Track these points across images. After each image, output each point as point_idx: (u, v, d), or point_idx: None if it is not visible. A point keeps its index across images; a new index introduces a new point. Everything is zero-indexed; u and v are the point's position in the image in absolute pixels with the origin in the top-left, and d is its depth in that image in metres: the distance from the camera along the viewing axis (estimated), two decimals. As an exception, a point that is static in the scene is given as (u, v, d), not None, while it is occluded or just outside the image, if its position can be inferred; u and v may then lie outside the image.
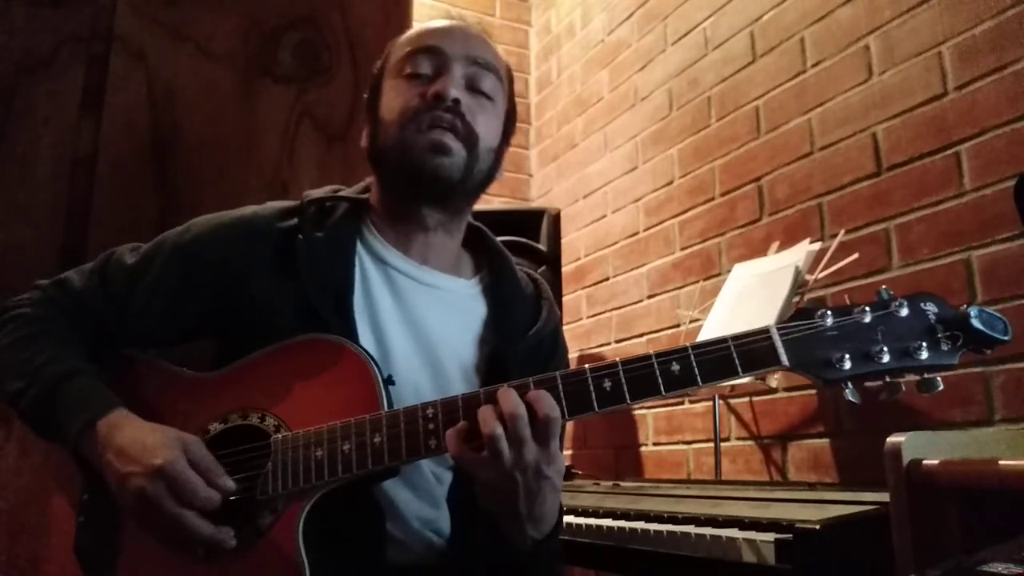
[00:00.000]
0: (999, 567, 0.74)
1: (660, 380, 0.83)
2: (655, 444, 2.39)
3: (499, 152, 1.09)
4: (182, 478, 0.86)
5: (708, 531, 1.20)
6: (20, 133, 1.42)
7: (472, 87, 1.03)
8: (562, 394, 0.84)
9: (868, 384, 0.84)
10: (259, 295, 1.00)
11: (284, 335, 0.96)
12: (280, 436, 0.91)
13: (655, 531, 1.30)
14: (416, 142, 1.00)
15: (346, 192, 1.11)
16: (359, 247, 1.06)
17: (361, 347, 0.94)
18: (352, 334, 0.97)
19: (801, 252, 1.71)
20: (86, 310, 1.02)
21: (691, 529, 1.23)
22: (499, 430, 0.80)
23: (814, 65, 1.99)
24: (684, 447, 2.27)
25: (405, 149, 1.01)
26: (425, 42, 1.04)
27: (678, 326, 2.31)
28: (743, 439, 2.07)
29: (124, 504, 0.89)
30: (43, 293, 1.04)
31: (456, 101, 1.00)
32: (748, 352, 0.82)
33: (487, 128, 1.04)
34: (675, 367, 0.83)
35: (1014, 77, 1.53)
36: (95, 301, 1.02)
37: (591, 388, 0.84)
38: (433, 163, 1.00)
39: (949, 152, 1.64)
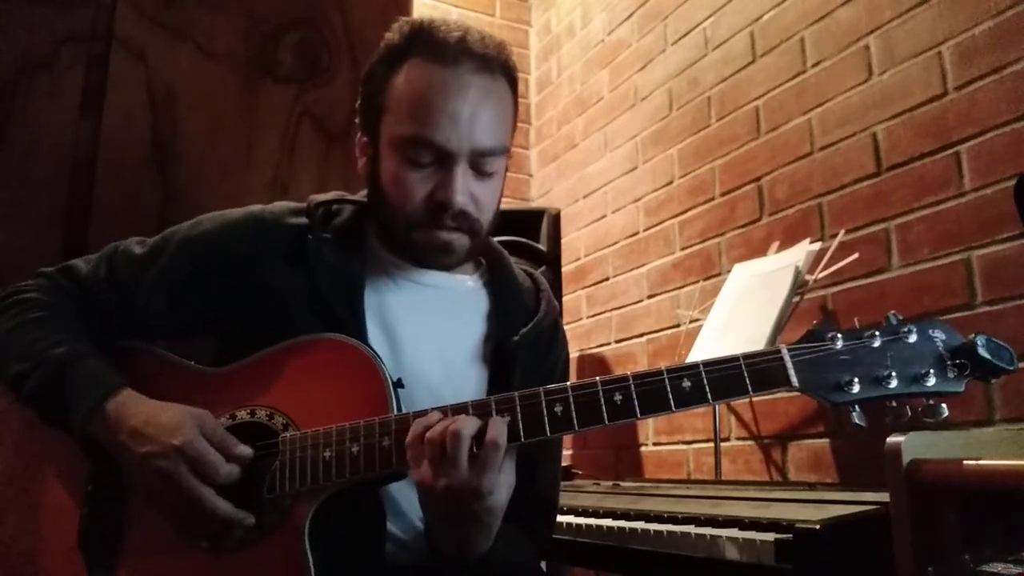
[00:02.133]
0: (999, 567, 0.74)
1: (671, 396, 0.84)
2: (655, 444, 2.39)
3: (499, 206, 1.08)
4: (202, 455, 0.87)
5: (708, 531, 1.20)
6: (20, 133, 1.42)
7: (476, 170, 1.00)
8: (573, 406, 0.84)
9: (876, 409, 0.85)
10: (269, 291, 1.01)
11: (296, 330, 0.97)
12: (288, 435, 0.91)
13: (655, 531, 1.29)
14: (420, 240, 1.01)
15: (350, 197, 1.12)
16: (366, 250, 1.08)
17: (371, 348, 0.95)
18: (363, 332, 0.99)
19: (801, 252, 1.71)
20: (91, 298, 1.03)
21: (691, 529, 1.23)
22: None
23: (814, 65, 1.99)
24: (684, 447, 2.27)
25: (410, 244, 1.02)
26: (429, 133, 0.96)
27: (678, 326, 2.31)
28: (743, 439, 2.07)
29: (140, 485, 0.89)
30: (49, 280, 1.04)
31: (463, 206, 0.98)
32: (759, 371, 0.84)
33: (489, 205, 1.03)
34: (686, 384, 0.84)
35: (1014, 77, 1.53)
36: (101, 290, 1.03)
37: (602, 401, 0.84)
38: (438, 261, 1.04)
39: (949, 152, 1.64)
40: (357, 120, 1.08)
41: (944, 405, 0.83)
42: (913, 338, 0.83)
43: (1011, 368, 0.81)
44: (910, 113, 1.73)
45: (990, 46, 1.58)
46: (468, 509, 0.82)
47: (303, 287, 1.00)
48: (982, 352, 0.81)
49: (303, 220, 1.06)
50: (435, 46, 0.98)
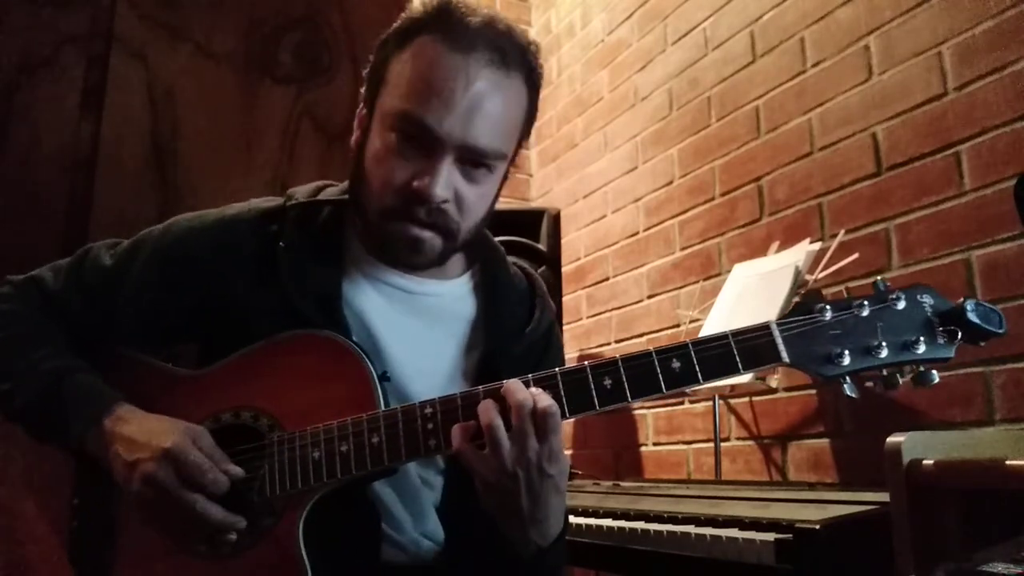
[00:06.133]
0: (999, 567, 0.74)
1: (661, 377, 0.83)
2: (655, 444, 2.39)
3: (491, 212, 1.01)
4: (191, 459, 0.85)
5: (708, 531, 1.20)
6: (20, 133, 1.42)
7: (466, 164, 0.93)
8: (562, 392, 0.83)
9: (865, 379, 0.85)
10: (241, 300, 0.97)
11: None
12: (276, 437, 0.90)
13: (655, 531, 1.29)
14: (391, 232, 0.94)
15: (330, 193, 1.07)
16: (344, 253, 1.03)
17: (354, 343, 0.93)
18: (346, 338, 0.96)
19: (801, 252, 1.71)
20: (60, 310, 1.00)
21: (691, 529, 1.23)
22: (498, 420, 0.80)
23: (814, 65, 1.99)
24: (684, 447, 2.27)
25: (380, 233, 0.96)
26: (420, 112, 0.89)
27: (678, 326, 2.31)
28: (743, 439, 2.07)
29: (131, 492, 0.88)
30: (16, 290, 1.01)
31: (442, 202, 0.91)
32: (749, 348, 0.82)
33: (474, 207, 0.95)
34: (676, 364, 0.83)
35: (1014, 77, 1.53)
36: (70, 302, 1.00)
37: (591, 386, 0.83)
38: (405, 257, 0.97)
39: (949, 152, 1.64)
40: (363, 90, 1.00)
41: (935, 371, 0.82)
42: (902, 304, 0.83)
43: (1000, 331, 0.81)
44: (910, 113, 1.73)
45: (990, 46, 1.58)
46: (546, 473, 0.82)
47: (276, 296, 0.96)
48: (971, 316, 0.80)
49: (275, 227, 1.00)
50: (451, 26, 0.91)
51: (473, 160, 0.93)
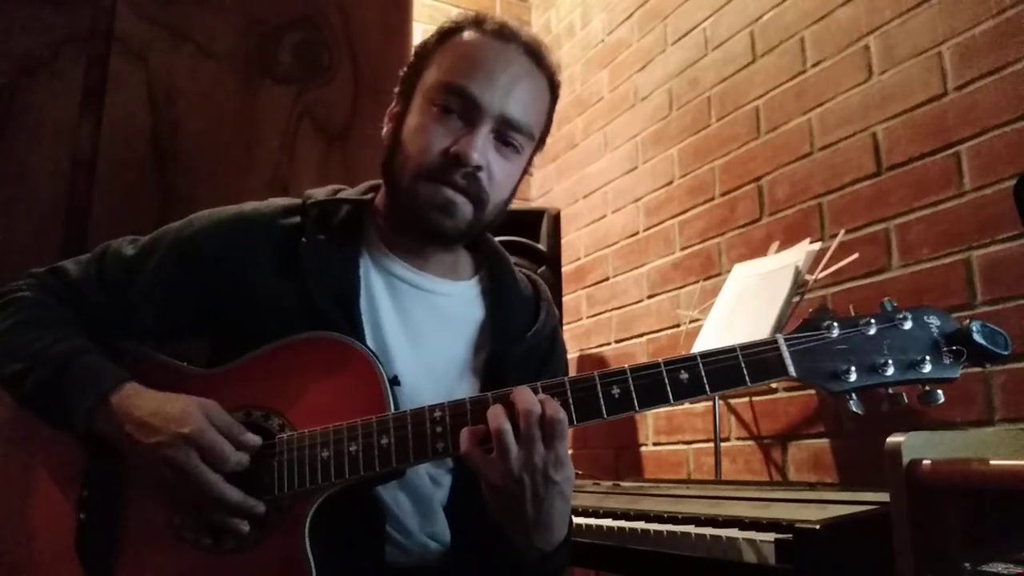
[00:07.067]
0: (999, 567, 0.74)
1: (669, 388, 0.85)
2: (655, 444, 2.39)
3: (510, 199, 1.07)
4: (212, 444, 0.87)
5: (708, 531, 1.20)
6: (20, 133, 1.42)
7: (500, 139, 1.00)
8: (571, 400, 0.85)
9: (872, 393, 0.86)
10: (260, 294, 0.99)
11: (288, 334, 0.96)
12: (285, 436, 0.91)
13: (655, 531, 1.30)
14: (424, 194, 0.99)
15: (347, 193, 1.10)
16: (361, 251, 1.06)
17: (366, 347, 0.94)
18: (359, 337, 0.97)
19: (801, 252, 1.71)
20: (81, 300, 1.01)
21: (691, 529, 1.23)
22: (507, 425, 0.82)
23: (814, 65, 1.99)
24: (684, 447, 2.27)
25: (413, 197, 1.00)
26: (464, 81, 0.98)
27: (678, 326, 2.31)
28: (743, 439, 2.07)
29: (149, 476, 0.89)
30: (39, 280, 1.03)
31: (477, 168, 0.97)
32: (756, 362, 0.85)
33: (502, 184, 1.02)
34: (684, 375, 0.85)
35: (1014, 77, 1.53)
36: (91, 292, 1.02)
37: (600, 395, 0.85)
38: (436, 220, 1.00)
39: (949, 152, 1.64)
40: (396, 89, 1.08)
41: (940, 391, 0.83)
42: (908, 324, 0.84)
43: (1006, 352, 0.82)
44: (910, 113, 1.73)
45: (990, 46, 1.58)
46: (551, 480, 0.83)
47: (295, 291, 0.99)
48: (977, 338, 0.81)
49: (296, 220, 1.04)
50: (489, 24, 1.03)
51: (506, 136, 1.00)
